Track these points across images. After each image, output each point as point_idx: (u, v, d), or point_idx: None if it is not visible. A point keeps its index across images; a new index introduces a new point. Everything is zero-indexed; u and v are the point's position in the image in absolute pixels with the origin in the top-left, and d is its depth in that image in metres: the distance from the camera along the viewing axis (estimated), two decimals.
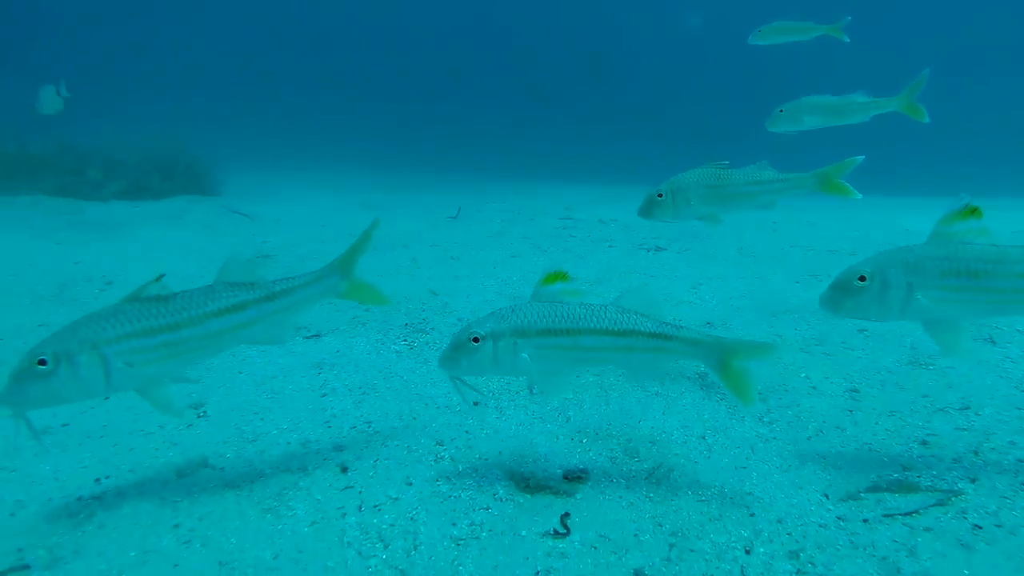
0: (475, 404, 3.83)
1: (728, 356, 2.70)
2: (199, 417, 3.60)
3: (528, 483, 3.06)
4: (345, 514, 2.74)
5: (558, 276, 2.83)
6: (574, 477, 3.11)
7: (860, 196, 4.05)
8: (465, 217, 11.44)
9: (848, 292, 2.75)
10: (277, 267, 7.44)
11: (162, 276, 2.55)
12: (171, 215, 11.04)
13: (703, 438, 3.50)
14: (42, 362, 2.24)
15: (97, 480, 2.94)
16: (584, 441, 3.46)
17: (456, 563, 2.53)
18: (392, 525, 2.71)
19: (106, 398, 3.71)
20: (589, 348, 2.72)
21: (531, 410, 3.81)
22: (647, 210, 4.18)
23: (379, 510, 2.79)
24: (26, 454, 3.14)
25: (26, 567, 2.37)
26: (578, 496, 2.98)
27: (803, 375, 4.27)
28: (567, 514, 2.83)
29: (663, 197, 4.11)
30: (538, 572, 2.51)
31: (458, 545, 2.64)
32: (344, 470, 3.06)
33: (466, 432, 3.50)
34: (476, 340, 2.65)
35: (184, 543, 2.51)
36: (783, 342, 4.77)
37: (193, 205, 12.51)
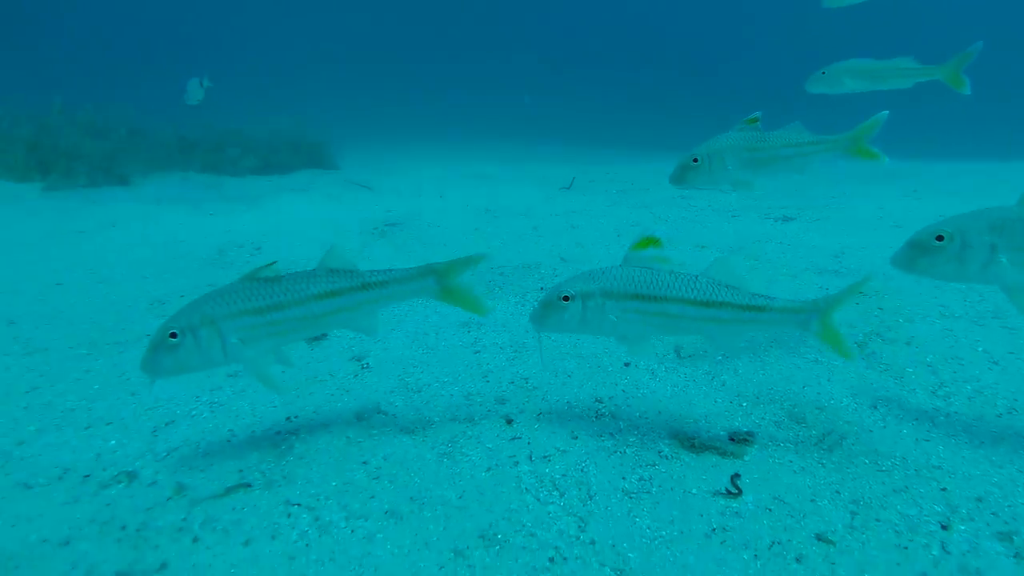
0: (625, 365, 3.80)
1: (824, 317, 2.71)
2: (363, 368, 3.79)
3: (693, 443, 3.00)
4: (517, 463, 2.80)
5: (650, 241, 2.82)
6: (740, 439, 3.02)
7: (888, 161, 3.75)
8: (579, 187, 11.35)
9: (924, 251, 2.67)
10: (405, 234, 7.70)
11: (275, 263, 2.68)
12: (300, 187, 11.68)
13: (874, 407, 3.28)
14: (173, 335, 2.46)
15: (288, 419, 3.18)
16: (744, 405, 3.34)
17: (632, 514, 2.53)
18: (564, 475, 2.74)
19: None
20: (675, 316, 2.72)
21: (683, 372, 3.73)
22: (680, 176, 3.87)
23: (549, 460, 2.84)
24: (227, 391, 3.44)
25: (248, 485, 2.60)
26: (746, 458, 2.89)
27: (980, 349, 3.91)
28: (737, 475, 2.76)
29: (699, 162, 3.81)
30: (714, 529, 2.46)
31: (630, 497, 2.63)
32: (509, 422, 3.13)
33: (623, 391, 3.48)
34: (566, 299, 2.69)
35: (374, 478, 2.66)
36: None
37: (317, 178, 13.17)
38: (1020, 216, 2.58)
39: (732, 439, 3.03)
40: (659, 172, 13.14)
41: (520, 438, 2.99)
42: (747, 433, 3.04)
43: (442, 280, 2.81)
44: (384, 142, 21.56)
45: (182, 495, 2.58)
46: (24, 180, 10.23)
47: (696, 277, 2.74)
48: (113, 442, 3.04)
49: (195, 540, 2.29)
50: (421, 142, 22.79)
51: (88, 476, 2.79)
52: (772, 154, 3.82)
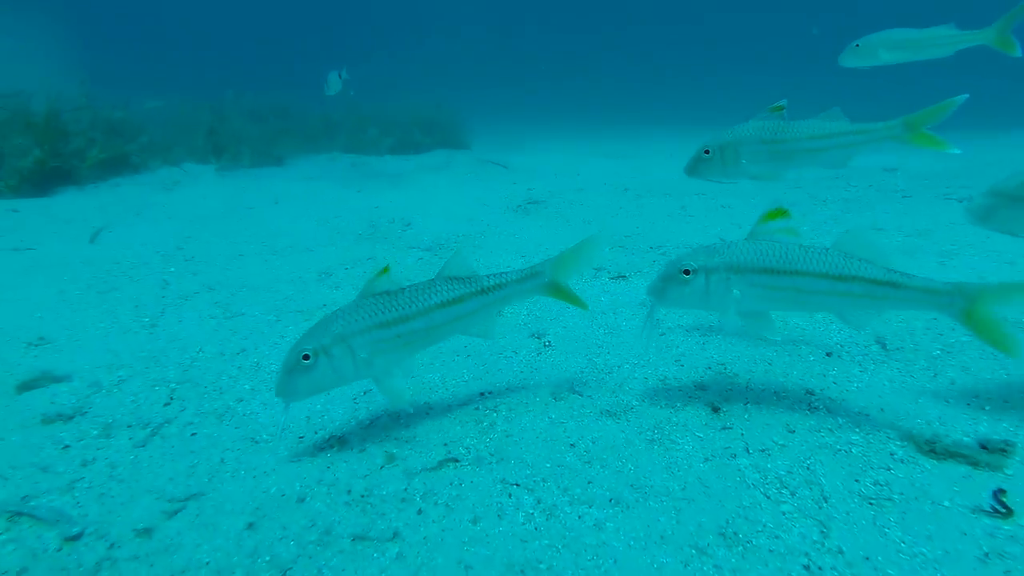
0: (828, 355, 3.43)
1: (974, 303, 2.42)
2: (545, 347, 3.68)
3: (932, 447, 2.61)
4: (735, 455, 2.56)
5: (778, 213, 2.65)
6: (996, 449, 2.59)
7: (958, 151, 3.36)
8: None
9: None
10: (548, 211, 7.57)
11: (387, 268, 2.65)
12: (438, 166, 11.89)
13: None
14: (306, 356, 2.46)
15: (482, 394, 3.13)
16: (988, 408, 2.89)
17: (878, 524, 2.22)
18: (789, 472, 2.47)
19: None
20: (807, 291, 2.54)
21: (895, 366, 3.31)
22: (692, 167, 3.63)
23: (768, 455, 2.57)
24: (418, 360, 3.45)
25: (456, 460, 2.55)
26: (1007, 471, 2.47)
27: None
28: (1002, 491, 2.36)
29: (710, 154, 3.56)
30: (987, 554, 2.10)
31: (871, 504, 2.32)
32: (716, 410, 2.88)
33: (833, 383, 3.13)
34: (688, 272, 2.58)
35: (586, 462, 2.53)
36: None
37: (452, 157, 13.36)
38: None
39: (984, 447, 2.61)
40: None
41: (731, 428, 2.74)
42: (1004, 442, 2.61)
43: (554, 276, 2.81)
44: (509, 123, 21.59)
45: (394, 464, 2.57)
46: (203, 161, 11.15)
47: (827, 250, 2.55)
48: (319, 407, 3.12)
49: (420, 512, 2.26)
50: (545, 123, 22.62)
51: (303, 437, 2.88)
52: (795, 147, 3.48)
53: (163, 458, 2.80)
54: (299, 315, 4.52)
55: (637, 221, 7.01)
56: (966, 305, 2.44)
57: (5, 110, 8.98)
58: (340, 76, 10.26)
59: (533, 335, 3.82)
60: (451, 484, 2.39)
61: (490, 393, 3.12)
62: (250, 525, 2.28)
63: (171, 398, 3.36)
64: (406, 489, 2.38)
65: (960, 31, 4.59)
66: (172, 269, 5.65)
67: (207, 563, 2.13)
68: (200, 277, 5.38)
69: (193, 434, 3.00)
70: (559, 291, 2.84)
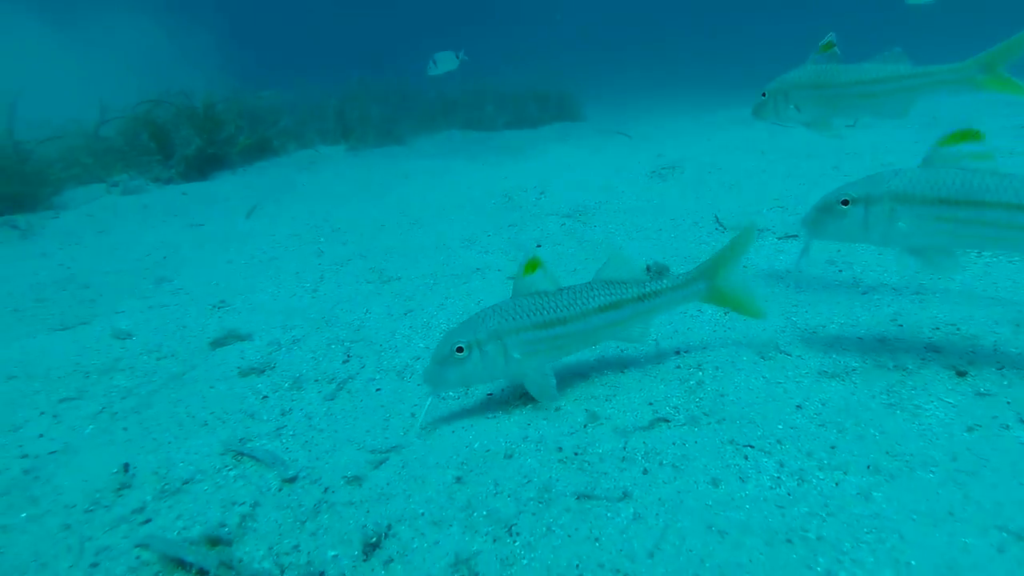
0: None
1: None
2: None
3: None
4: (1007, 426, 2.15)
5: (966, 135, 2.27)
6: None
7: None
8: (863, 124, 9.69)
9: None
10: (686, 176, 7.13)
11: (539, 262, 2.58)
12: (559, 137, 11.64)
13: None
14: (459, 349, 2.42)
15: (678, 352, 2.88)
16: None
17: None
18: None
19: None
20: (995, 225, 2.17)
21: None
22: (754, 110, 3.70)
23: None
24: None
25: (666, 420, 2.33)
26: None
27: None
28: None
29: (765, 97, 3.57)
30: None
31: None
32: (961, 374, 2.46)
33: None
34: (846, 203, 2.35)
35: (819, 425, 2.22)
36: None
37: (570, 129, 13.06)
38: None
39: None
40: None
41: (992, 395, 2.32)
42: None
43: (711, 280, 2.62)
44: (618, 96, 20.94)
45: (598, 423, 2.39)
46: (333, 143, 11.58)
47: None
48: None
49: (646, 472, 2.05)
50: (657, 95, 21.74)
51: (491, 395, 2.77)
52: (847, 91, 3.20)
53: (355, 411, 2.79)
54: (455, 279, 4.46)
55: (787, 183, 6.43)
56: None
57: (173, 106, 9.70)
58: (457, 56, 10.16)
59: None
60: (673, 444, 2.17)
61: (686, 351, 2.86)
62: (458, 479, 2.18)
63: (348, 355, 3.37)
64: (624, 448, 2.18)
65: None
66: (322, 240, 5.81)
67: (421, 514, 2.05)
68: (350, 247, 5.48)
69: (378, 389, 2.98)
70: (724, 298, 2.63)
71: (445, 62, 10.11)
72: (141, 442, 2.62)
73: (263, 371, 3.16)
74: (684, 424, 2.30)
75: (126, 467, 2.40)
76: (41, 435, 2.82)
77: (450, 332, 2.53)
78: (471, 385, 2.65)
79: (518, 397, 2.68)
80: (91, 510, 2.22)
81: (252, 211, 7.08)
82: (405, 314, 3.77)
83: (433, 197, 7.35)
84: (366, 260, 5.03)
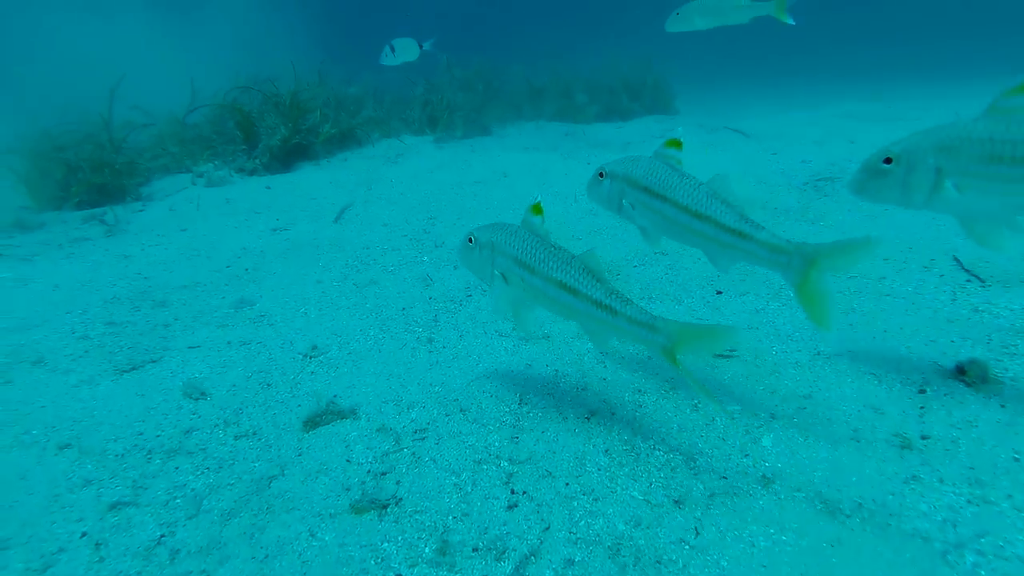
0: None
1: None
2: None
3: None
4: None
5: None
6: None
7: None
8: None
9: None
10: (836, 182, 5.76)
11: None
12: (659, 134, 10.30)
13: None
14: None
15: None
16: None
17: None
18: None
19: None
20: None
21: None
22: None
23: None
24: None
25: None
26: None
27: None
28: None
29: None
30: None
31: None
32: None
33: None
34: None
35: None
36: None
37: (664, 124, 11.68)
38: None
39: None
40: None
41: None
42: None
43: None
44: (703, 83, 19.13)
45: None
46: (418, 133, 10.63)
47: None
48: None
49: None
50: (740, 83, 19.85)
51: None
52: None
53: None
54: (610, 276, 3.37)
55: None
56: None
57: (260, 93, 8.96)
58: (421, 46, 7.98)
59: None
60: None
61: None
62: None
63: (512, 490, 2.12)
64: None
65: (752, 1, 5.24)
66: (426, 259, 4.82)
67: None
68: (462, 271, 4.47)
69: None
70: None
71: (405, 51, 7.94)
72: None
73: (385, 506, 2.14)
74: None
75: None
76: None
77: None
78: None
79: None
80: None
81: (341, 214, 6.18)
82: (588, 417, 2.60)
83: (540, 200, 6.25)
84: (488, 297, 3.99)
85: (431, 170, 8.08)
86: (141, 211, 7.09)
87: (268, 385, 3.12)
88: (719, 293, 3.70)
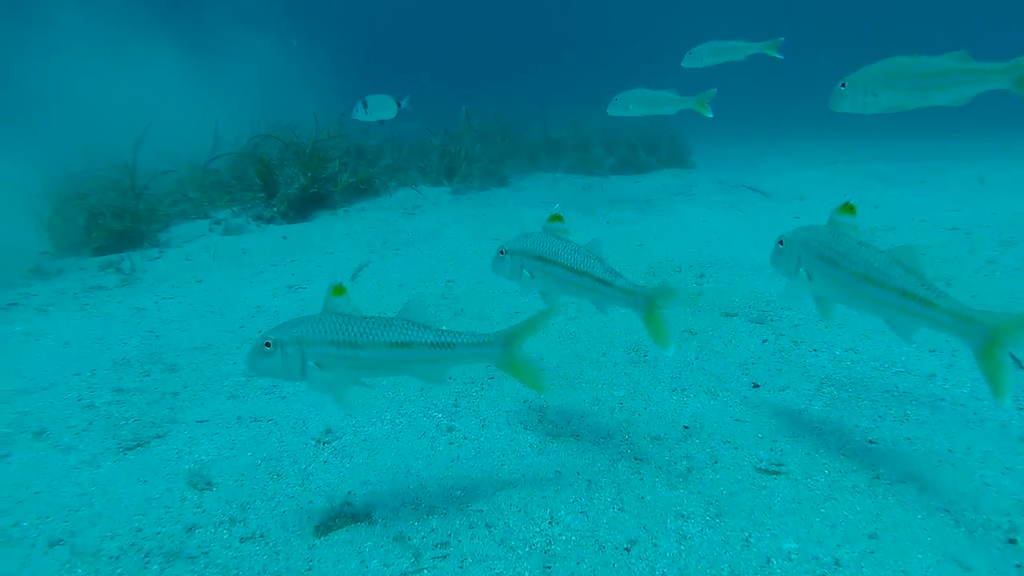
0: None
1: None
2: None
3: None
4: None
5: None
6: None
7: None
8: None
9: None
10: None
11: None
12: (679, 190, 10.23)
13: None
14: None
15: None
16: None
17: None
18: None
19: None
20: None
21: None
22: (832, 102, 3.91)
23: None
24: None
25: None
26: None
27: None
28: None
29: (844, 88, 3.79)
30: None
31: None
32: None
33: None
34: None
35: None
36: None
37: (687, 179, 11.60)
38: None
39: None
40: None
41: None
42: None
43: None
44: (714, 137, 19.22)
45: None
46: (436, 183, 10.62)
47: None
48: None
49: None
50: (751, 137, 19.94)
51: None
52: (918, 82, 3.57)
53: None
54: (655, 443, 3.16)
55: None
56: None
57: (280, 140, 9.00)
58: (399, 104, 7.59)
59: None
60: None
61: None
62: None
63: None
64: None
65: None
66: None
67: None
68: None
69: None
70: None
71: (379, 109, 7.59)
72: None
73: None
74: None
75: None
76: None
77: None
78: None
79: None
80: None
81: (357, 273, 6.06)
82: (627, 548, 2.28)
83: None
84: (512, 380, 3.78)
85: (448, 224, 7.99)
86: (158, 258, 7.02)
87: (278, 476, 2.91)
88: (756, 386, 3.48)
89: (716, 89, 6.30)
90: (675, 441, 2.91)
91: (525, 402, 3.43)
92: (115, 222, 7.31)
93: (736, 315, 4.55)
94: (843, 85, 3.70)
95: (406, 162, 11.37)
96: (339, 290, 2.31)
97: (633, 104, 6.60)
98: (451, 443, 3.07)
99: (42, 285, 6.14)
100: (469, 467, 2.84)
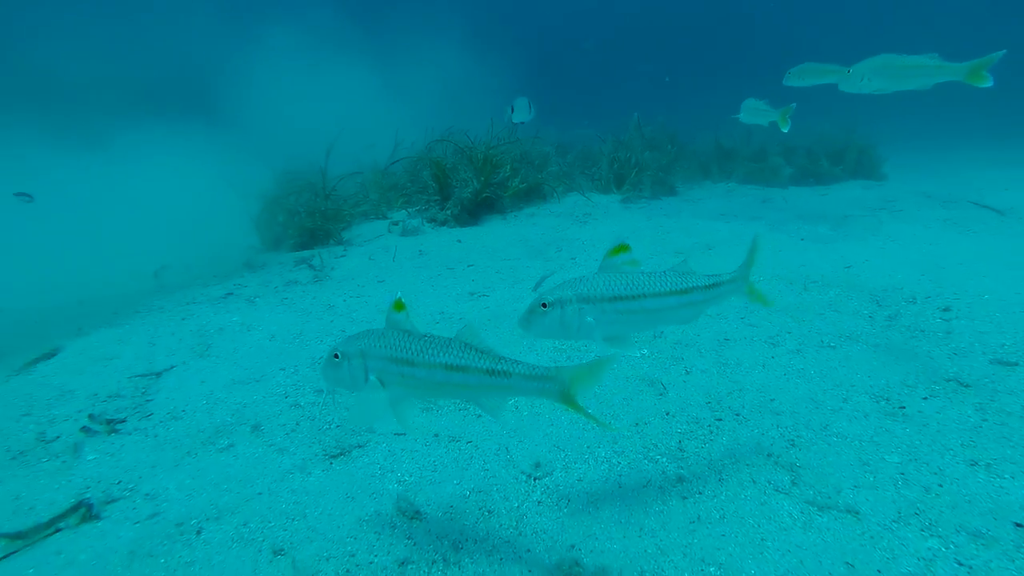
0: None
1: None
2: None
3: None
4: None
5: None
6: None
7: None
8: None
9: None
10: None
11: None
12: (879, 205, 8.82)
13: None
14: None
15: None
16: None
17: None
18: None
19: None
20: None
21: None
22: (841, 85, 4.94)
23: None
24: None
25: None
26: None
27: None
28: None
29: (850, 73, 4.95)
30: None
31: None
32: None
33: None
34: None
35: None
36: None
37: (884, 192, 10.05)
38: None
39: None
40: None
41: None
42: None
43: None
44: (909, 143, 16.71)
45: None
46: (604, 191, 10.17)
47: None
48: None
49: None
50: (956, 143, 17.10)
51: None
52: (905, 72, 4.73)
53: None
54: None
55: None
56: None
57: (454, 145, 9.09)
58: (531, 107, 8.03)
59: None
60: None
61: None
62: None
63: None
64: None
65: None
66: (646, 352, 4.13)
67: None
68: (699, 376, 3.71)
69: None
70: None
71: (521, 111, 8.17)
72: None
73: None
74: None
75: None
76: None
77: None
78: None
79: None
80: None
81: (540, 283, 5.74)
82: None
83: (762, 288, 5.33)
84: (758, 433, 3.16)
85: (621, 234, 7.47)
86: (343, 256, 7.27)
87: (489, 512, 2.58)
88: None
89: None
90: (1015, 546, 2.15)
91: (769, 455, 2.81)
92: (307, 220, 7.72)
93: (1018, 364, 3.55)
94: (848, 72, 4.70)
95: (571, 168, 11.03)
96: (399, 305, 2.20)
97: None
98: (684, 498, 2.55)
99: (251, 276, 6.56)
100: (716, 534, 2.30)
